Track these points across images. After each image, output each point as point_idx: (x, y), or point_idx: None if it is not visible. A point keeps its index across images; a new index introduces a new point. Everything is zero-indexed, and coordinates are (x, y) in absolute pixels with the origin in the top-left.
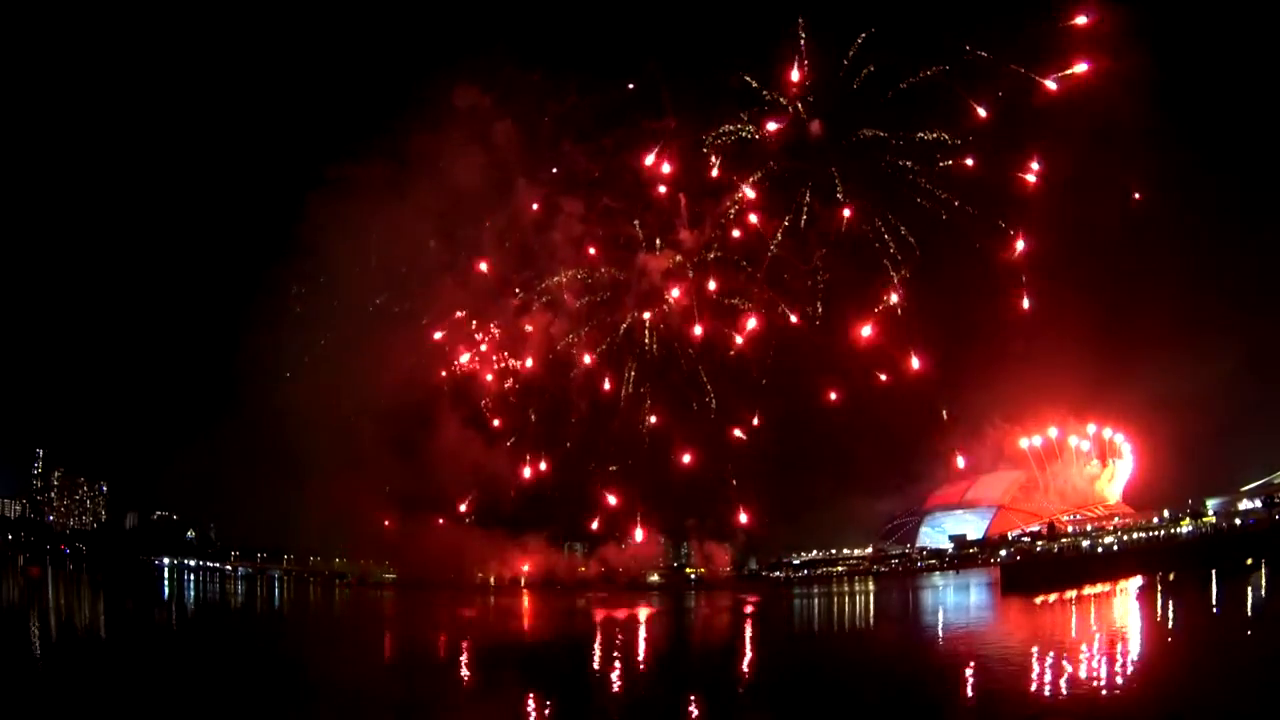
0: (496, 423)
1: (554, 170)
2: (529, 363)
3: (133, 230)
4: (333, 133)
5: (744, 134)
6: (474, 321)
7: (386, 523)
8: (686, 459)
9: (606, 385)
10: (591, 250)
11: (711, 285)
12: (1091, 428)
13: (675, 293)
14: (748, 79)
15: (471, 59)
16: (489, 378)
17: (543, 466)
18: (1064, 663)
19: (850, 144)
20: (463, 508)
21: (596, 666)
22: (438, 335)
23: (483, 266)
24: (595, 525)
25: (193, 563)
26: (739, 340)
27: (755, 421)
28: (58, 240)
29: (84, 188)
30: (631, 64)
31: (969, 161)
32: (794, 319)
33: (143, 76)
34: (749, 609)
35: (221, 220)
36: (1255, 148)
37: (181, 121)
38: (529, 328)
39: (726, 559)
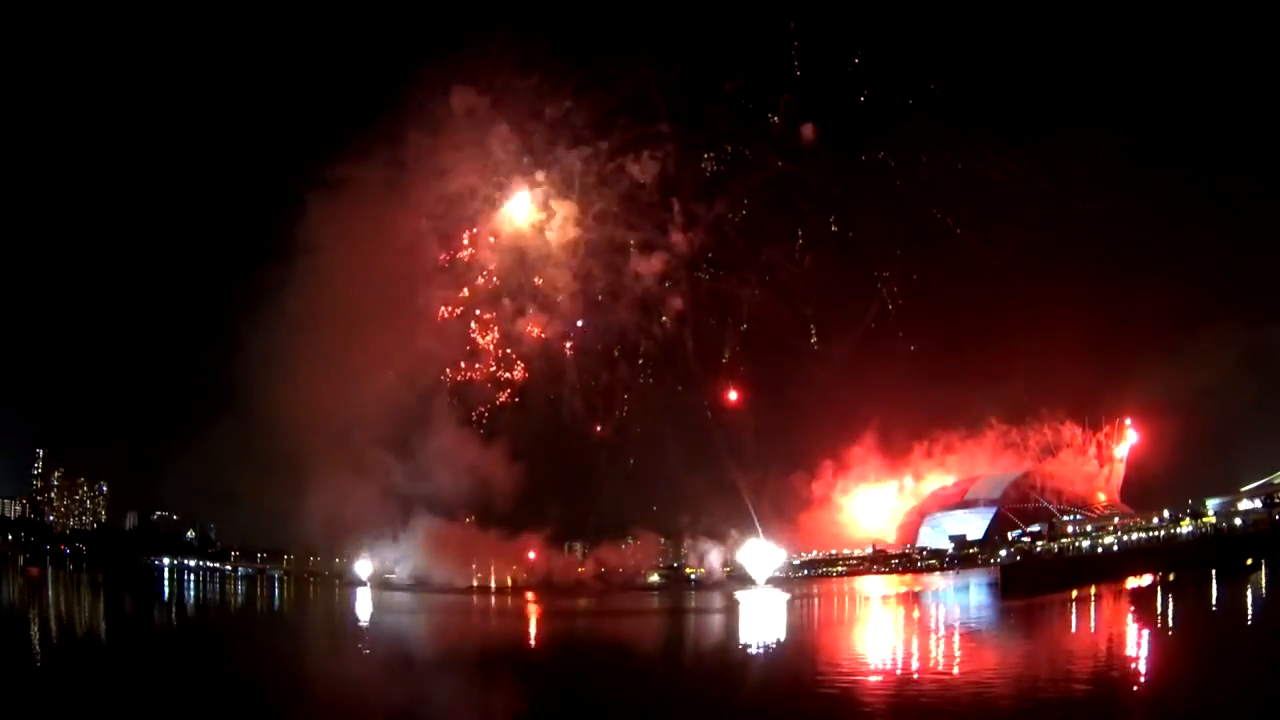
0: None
1: (549, 173)
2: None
3: (133, 232)
4: (330, 136)
5: (739, 150)
6: (471, 325)
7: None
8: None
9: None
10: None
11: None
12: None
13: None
14: (744, 102)
15: (469, 62)
16: (482, 366)
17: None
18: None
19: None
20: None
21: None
22: (433, 338)
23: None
24: None
25: (193, 563)
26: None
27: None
28: (59, 242)
29: (84, 191)
30: (626, 69)
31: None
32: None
33: (146, 82)
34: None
35: (221, 222)
36: (1257, 149)
37: (180, 126)
38: (535, 331)
39: (721, 559)
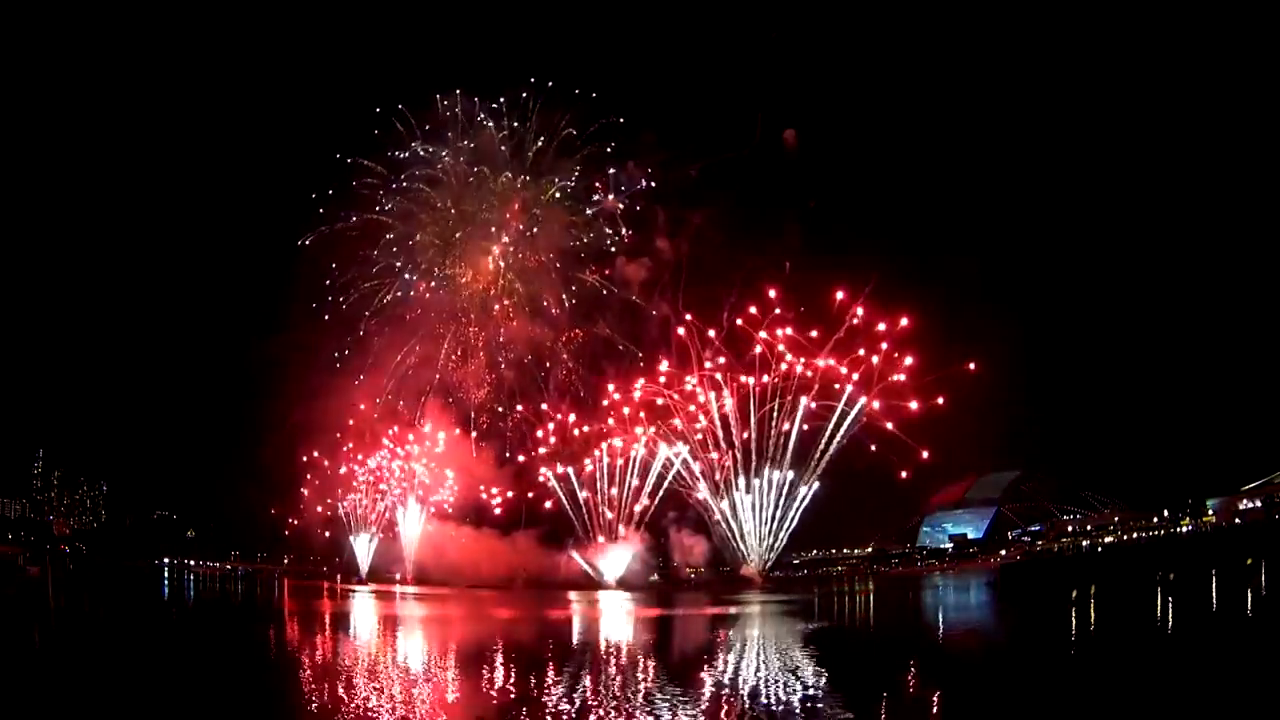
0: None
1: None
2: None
3: (133, 234)
4: (328, 146)
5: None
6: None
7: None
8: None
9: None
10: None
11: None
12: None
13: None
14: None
15: (459, 68)
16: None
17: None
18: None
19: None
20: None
21: None
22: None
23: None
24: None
25: (193, 563)
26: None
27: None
28: (59, 243)
29: (85, 194)
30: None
31: None
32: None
33: (150, 87)
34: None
35: (222, 224)
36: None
37: (180, 131)
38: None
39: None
